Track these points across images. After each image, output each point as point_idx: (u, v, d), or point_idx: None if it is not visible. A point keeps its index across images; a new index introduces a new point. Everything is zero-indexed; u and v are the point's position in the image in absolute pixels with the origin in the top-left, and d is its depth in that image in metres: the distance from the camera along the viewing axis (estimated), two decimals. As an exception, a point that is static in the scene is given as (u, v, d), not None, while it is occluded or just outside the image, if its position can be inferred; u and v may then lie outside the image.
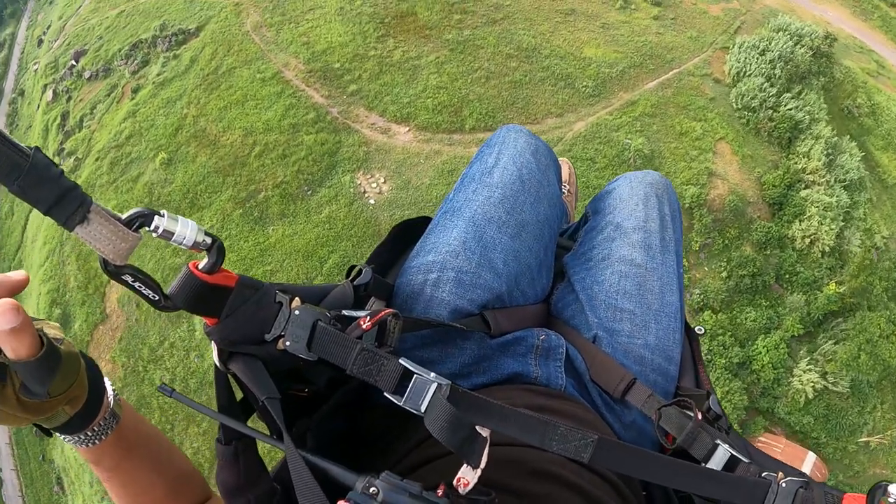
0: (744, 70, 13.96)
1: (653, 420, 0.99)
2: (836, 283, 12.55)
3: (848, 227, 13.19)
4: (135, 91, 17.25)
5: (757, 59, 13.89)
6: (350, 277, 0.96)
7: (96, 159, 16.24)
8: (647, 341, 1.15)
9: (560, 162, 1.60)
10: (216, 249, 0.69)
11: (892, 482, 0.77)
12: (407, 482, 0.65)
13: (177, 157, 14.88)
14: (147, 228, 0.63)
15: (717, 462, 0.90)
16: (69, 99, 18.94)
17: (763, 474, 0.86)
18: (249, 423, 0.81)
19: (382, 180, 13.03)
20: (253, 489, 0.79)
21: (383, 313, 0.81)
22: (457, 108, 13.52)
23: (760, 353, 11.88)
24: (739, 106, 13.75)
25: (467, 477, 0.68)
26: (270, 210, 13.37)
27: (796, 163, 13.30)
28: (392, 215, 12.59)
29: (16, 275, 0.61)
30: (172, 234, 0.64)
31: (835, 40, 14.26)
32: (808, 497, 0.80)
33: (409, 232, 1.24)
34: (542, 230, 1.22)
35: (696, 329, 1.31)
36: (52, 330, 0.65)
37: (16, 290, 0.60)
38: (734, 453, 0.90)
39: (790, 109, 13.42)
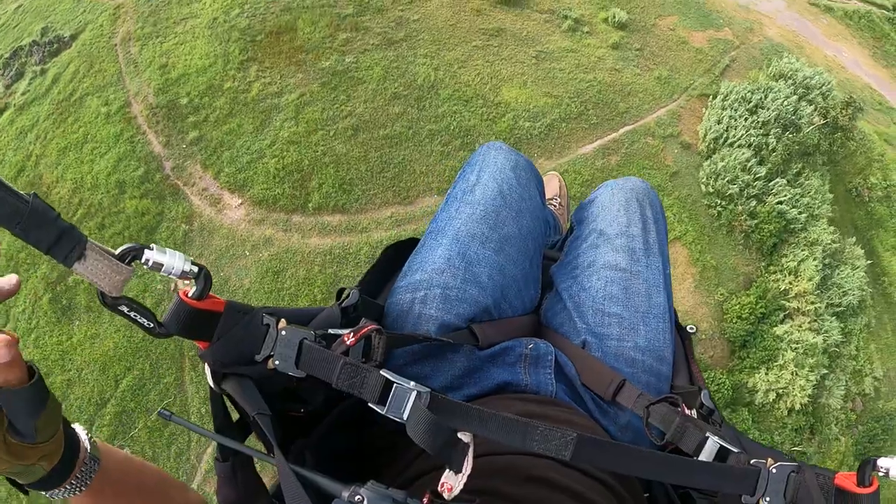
0: (725, 135, 9.27)
1: (643, 419, 0.98)
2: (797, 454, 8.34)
3: (832, 371, 8.73)
4: (1, 112, 14.67)
5: (746, 118, 9.16)
6: (339, 301, 0.96)
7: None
8: (636, 343, 1.13)
9: (549, 176, 1.85)
10: (203, 277, 0.73)
11: (881, 456, 0.76)
12: (392, 490, 0.64)
13: (8, 208, 12.20)
14: (138, 261, 0.68)
15: (707, 454, 0.87)
16: (-46, 112, 16.64)
17: (752, 461, 0.83)
18: (248, 444, 0.79)
19: (199, 273, 9.78)
20: None
21: (366, 329, 0.83)
22: (305, 174, 9.85)
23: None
24: (711, 189, 9.18)
25: (450, 482, 0.68)
26: (77, 299, 10.43)
27: (777, 282, 8.82)
28: (201, 325, 9.40)
29: (6, 282, 0.62)
30: (162, 265, 0.69)
31: (859, 110, 9.19)
32: (800, 480, 0.79)
33: (400, 254, 1.24)
34: (525, 243, 1.22)
35: (688, 328, 1.30)
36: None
37: (7, 296, 0.63)
38: (723, 444, 0.87)
39: (782, 203, 8.81)
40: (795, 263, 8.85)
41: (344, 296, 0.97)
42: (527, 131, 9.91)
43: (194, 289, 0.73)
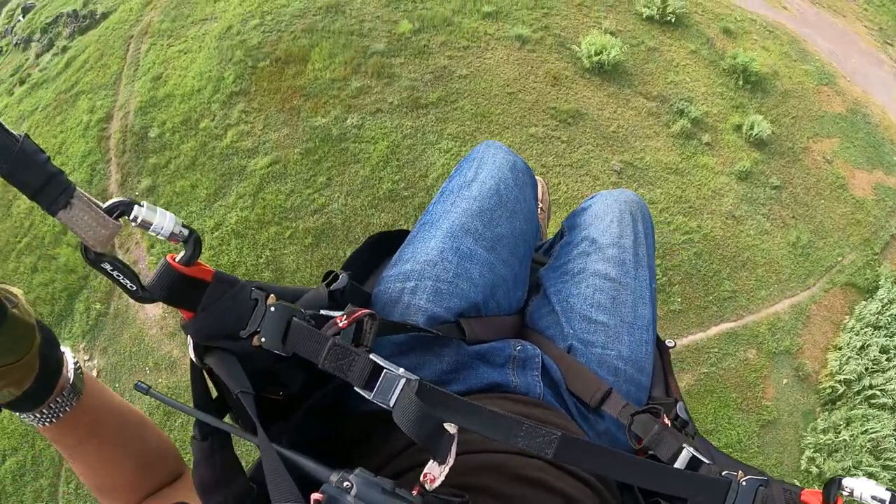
0: (867, 380, 5.34)
1: (625, 426, 1.00)
2: None
3: None
4: (22, 82, 13.48)
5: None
6: (326, 282, 0.92)
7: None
8: (620, 353, 1.14)
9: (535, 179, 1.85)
10: (193, 242, 0.67)
11: (846, 476, 0.77)
12: (380, 478, 0.62)
13: (-20, 208, 10.96)
14: (127, 217, 0.62)
15: (680, 463, 0.88)
16: None
17: (723, 473, 0.83)
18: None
19: (95, 374, 7.68)
20: (230, 486, 0.75)
21: (360, 313, 0.79)
22: (242, 284, 7.28)
23: None
24: (814, 468, 5.11)
25: (434, 472, 0.66)
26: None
27: None
28: (75, 449, 7.34)
29: None
30: (151, 223, 0.64)
31: None
32: (769, 494, 0.80)
33: (386, 243, 1.22)
34: (517, 244, 1.20)
35: (666, 342, 1.30)
36: (10, 294, 0.59)
37: None
38: (696, 455, 0.88)
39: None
40: None
41: (332, 278, 0.91)
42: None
43: (183, 253, 0.67)
